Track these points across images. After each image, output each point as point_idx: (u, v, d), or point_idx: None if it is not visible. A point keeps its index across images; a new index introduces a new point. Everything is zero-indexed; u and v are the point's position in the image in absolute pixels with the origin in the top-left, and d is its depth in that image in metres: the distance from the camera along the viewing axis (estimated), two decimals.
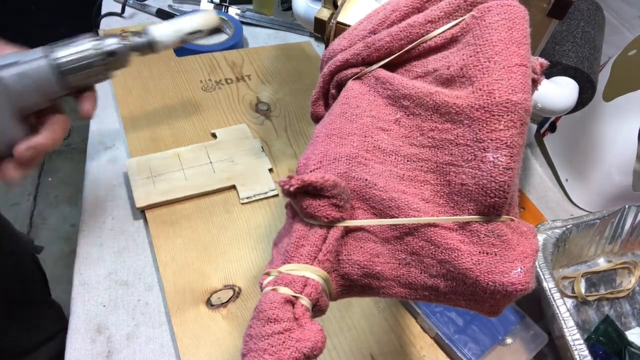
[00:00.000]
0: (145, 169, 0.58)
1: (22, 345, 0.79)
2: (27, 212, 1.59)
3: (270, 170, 0.61)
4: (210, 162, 0.60)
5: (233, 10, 0.85)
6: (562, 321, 0.45)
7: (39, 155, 0.42)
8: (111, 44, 0.45)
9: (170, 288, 0.49)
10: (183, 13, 0.82)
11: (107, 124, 0.65)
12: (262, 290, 0.28)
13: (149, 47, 0.47)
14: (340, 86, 0.36)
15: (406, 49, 0.32)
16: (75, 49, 0.43)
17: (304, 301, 0.27)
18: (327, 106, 0.38)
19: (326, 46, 0.40)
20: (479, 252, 0.27)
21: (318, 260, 0.28)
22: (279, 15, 0.88)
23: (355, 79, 0.35)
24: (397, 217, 0.29)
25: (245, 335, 0.26)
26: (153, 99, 0.68)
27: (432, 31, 0.32)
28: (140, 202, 0.54)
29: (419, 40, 0.32)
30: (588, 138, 0.66)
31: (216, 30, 0.51)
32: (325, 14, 0.47)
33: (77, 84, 0.45)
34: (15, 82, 0.41)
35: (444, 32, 0.31)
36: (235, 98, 0.71)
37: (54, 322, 0.82)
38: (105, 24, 0.81)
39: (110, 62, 0.45)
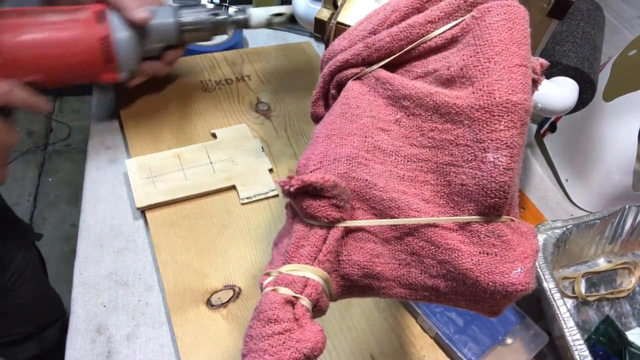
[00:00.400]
0: (145, 169, 0.58)
1: (26, 330, 0.81)
2: (27, 212, 1.60)
3: (270, 170, 0.61)
4: (210, 162, 0.60)
5: (233, 10, 0.85)
6: (563, 321, 0.45)
7: (159, 72, 0.62)
8: (220, 14, 0.61)
9: (170, 288, 0.49)
10: None
11: (107, 124, 0.65)
12: (262, 291, 0.28)
13: (245, 23, 0.63)
14: (340, 86, 0.36)
15: (406, 49, 0.32)
16: (195, 14, 0.60)
17: (304, 302, 0.27)
18: (327, 106, 0.38)
19: (326, 46, 0.40)
20: (479, 253, 0.27)
21: (318, 260, 0.28)
22: None
23: (356, 79, 0.35)
24: (398, 218, 0.29)
25: (246, 336, 0.26)
26: (153, 99, 0.68)
27: (432, 31, 0.32)
28: (140, 202, 0.54)
29: (419, 41, 0.32)
30: (588, 138, 0.66)
31: (294, 20, 0.62)
32: (325, 14, 0.47)
33: (187, 40, 0.61)
34: (151, 28, 0.57)
35: (444, 32, 0.31)
36: (235, 98, 0.71)
37: (55, 308, 0.85)
38: None
39: (215, 29, 0.61)
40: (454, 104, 0.29)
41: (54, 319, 0.82)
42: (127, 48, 0.57)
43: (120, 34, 0.56)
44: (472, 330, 0.48)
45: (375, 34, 0.34)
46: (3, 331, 0.79)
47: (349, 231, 0.30)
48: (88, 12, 0.56)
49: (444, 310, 0.49)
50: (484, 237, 0.27)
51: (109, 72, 0.58)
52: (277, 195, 0.59)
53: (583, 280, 0.58)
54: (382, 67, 0.34)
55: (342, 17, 0.45)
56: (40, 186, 1.68)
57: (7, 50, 0.53)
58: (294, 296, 0.26)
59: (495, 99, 0.27)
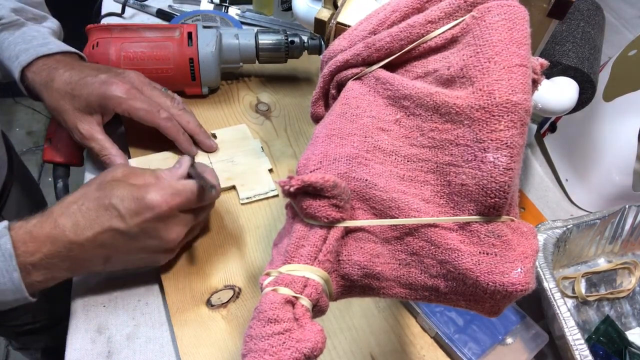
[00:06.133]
0: None
1: (42, 321, 0.84)
2: None
3: (270, 170, 0.61)
4: (210, 162, 0.60)
5: (233, 11, 0.85)
6: (563, 321, 0.45)
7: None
8: (295, 41, 0.68)
9: (170, 288, 0.49)
10: (183, 14, 0.82)
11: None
12: (262, 291, 0.28)
13: (319, 49, 0.69)
14: (340, 86, 0.36)
15: (406, 49, 0.32)
16: (272, 37, 0.67)
17: (304, 301, 0.27)
18: (327, 106, 0.38)
19: (326, 46, 0.40)
20: (479, 253, 0.27)
21: (318, 260, 0.28)
22: (279, 16, 0.88)
23: (356, 79, 0.35)
24: (398, 218, 0.29)
25: (246, 336, 0.26)
26: None
27: (433, 31, 0.32)
28: None
29: (419, 41, 0.32)
30: (588, 138, 0.66)
31: None
32: (325, 14, 0.47)
33: (263, 60, 0.69)
34: (233, 49, 0.66)
35: (444, 32, 0.32)
36: (235, 98, 0.71)
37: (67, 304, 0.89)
38: None
39: (289, 52, 0.68)
40: (454, 104, 0.29)
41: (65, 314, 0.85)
42: (211, 68, 0.64)
43: (206, 55, 0.63)
44: (472, 329, 0.48)
45: (375, 34, 0.34)
46: (22, 320, 0.81)
47: (349, 231, 0.30)
48: (179, 32, 0.63)
49: (444, 310, 0.49)
50: (484, 237, 0.27)
51: (194, 87, 0.66)
52: (277, 196, 0.59)
53: (583, 280, 0.58)
54: (382, 67, 0.34)
55: (342, 17, 0.45)
56: (40, 186, 1.68)
57: (113, 62, 0.61)
58: (294, 296, 0.26)
59: (495, 99, 0.27)
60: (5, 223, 0.41)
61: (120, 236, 0.42)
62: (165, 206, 0.43)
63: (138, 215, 0.42)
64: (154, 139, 0.63)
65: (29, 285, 0.41)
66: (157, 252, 0.46)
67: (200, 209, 0.48)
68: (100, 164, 0.58)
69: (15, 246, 0.40)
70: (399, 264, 0.30)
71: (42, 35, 0.56)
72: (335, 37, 0.43)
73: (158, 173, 0.46)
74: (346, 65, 0.35)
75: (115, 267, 0.46)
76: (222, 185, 0.58)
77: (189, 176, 0.47)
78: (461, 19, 0.31)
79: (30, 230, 0.41)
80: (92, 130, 0.54)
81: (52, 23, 0.61)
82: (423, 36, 0.32)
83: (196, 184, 0.46)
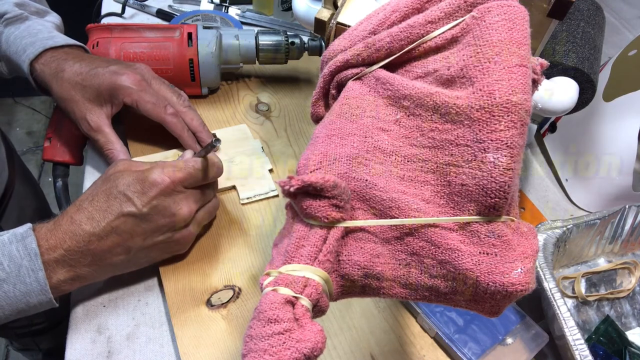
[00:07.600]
0: None
1: (45, 322, 0.84)
2: None
3: (271, 170, 0.61)
4: None
5: (233, 11, 0.85)
6: (563, 321, 0.45)
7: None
8: (296, 42, 0.68)
9: (170, 288, 0.49)
10: (183, 14, 0.82)
11: None
12: (262, 291, 0.28)
13: (319, 50, 0.68)
14: (340, 87, 0.36)
15: (406, 49, 0.32)
16: (272, 38, 0.67)
17: (305, 302, 0.27)
18: (327, 107, 0.38)
19: (326, 46, 0.40)
20: (479, 253, 0.27)
21: (318, 260, 0.28)
22: (279, 16, 0.88)
23: (356, 79, 0.35)
24: (398, 218, 0.29)
25: (246, 336, 0.26)
26: None
27: (433, 32, 0.32)
28: None
29: (419, 41, 0.32)
30: (588, 138, 0.66)
31: None
32: (325, 14, 0.47)
33: (263, 60, 0.68)
34: (233, 49, 0.66)
35: (444, 32, 0.32)
36: (235, 98, 0.71)
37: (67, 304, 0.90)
38: None
39: (289, 53, 0.68)
40: (454, 104, 0.29)
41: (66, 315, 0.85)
42: (210, 69, 0.64)
43: (206, 56, 0.63)
44: (472, 330, 0.48)
45: (375, 34, 0.34)
46: (22, 321, 0.82)
47: (349, 231, 0.30)
48: (180, 32, 0.63)
49: (444, 310, 0.49)
50: (484, 237, 0.27)
51: (193, 88, 0.66)
52: (277, 196, 0.59)
53: (583, 280, 0.58)
54: (382, 67, 0.34)
55: (342, 18, 0.45)
56: (40, 186, 1.68)
57: None
58: (294, 296, 0.27)
59: (495, 99, 0.27)
60: (29, 224, 0.42)
61: (133, 220, 0.43)
62: (169, 180, 0.44)
63: (145, 195, 0.43)
64: (155, 138, 0.63)
65: (55, 287, 0.42)
66: (173, 232, 0.47)
67: (206, 186, 0.50)
68: (102, 160, 0.58)
69: (38, 244, 0.41)
70: (399, 264, 0.30)
71: (47, 29, 0.56)
72: (335, 37, 0.43)
73: (159, 162, 0.47)
74: (346, 65, 0.35)
75: (139, 259, 0.47)
76: (222, 186, 0.58)
77: None
78: (461, 19, 0.31)
79: (50, 229, 0.42)
80: (100, 122, 0.54)
81: (55, 17, 0.61)
82: (423, 36, 0.32)
83: (200, 159, 0.47)
